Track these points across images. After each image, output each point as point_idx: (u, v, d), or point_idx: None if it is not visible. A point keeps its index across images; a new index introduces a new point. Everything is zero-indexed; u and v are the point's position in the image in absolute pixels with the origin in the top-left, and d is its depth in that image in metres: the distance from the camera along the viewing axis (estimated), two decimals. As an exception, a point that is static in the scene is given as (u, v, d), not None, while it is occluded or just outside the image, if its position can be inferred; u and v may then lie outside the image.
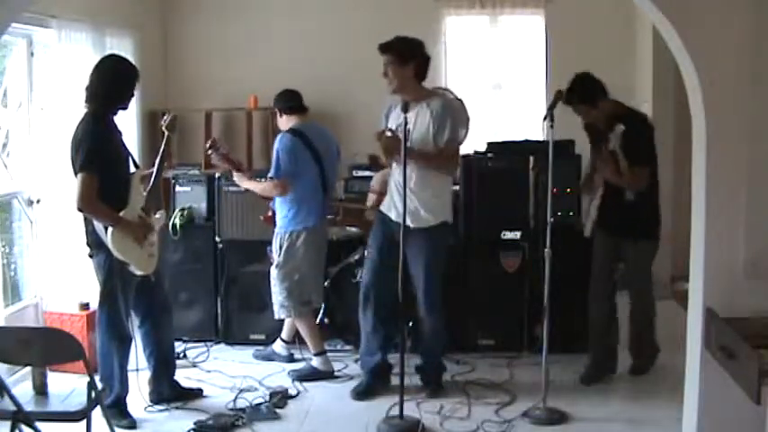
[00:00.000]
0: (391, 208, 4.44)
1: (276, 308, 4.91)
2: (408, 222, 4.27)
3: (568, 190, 4.98)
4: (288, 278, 4.82)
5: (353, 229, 5.57)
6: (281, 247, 4.83)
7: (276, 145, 4.80)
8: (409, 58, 4.37)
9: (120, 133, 4.16)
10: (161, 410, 4.36)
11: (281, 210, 4.85)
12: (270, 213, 4.96)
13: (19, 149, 5.10)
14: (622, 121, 4.51)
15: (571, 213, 5.03)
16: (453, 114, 4.41)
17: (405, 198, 4.13)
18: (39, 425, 3.19)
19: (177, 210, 5.44)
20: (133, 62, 4.36)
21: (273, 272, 4.87)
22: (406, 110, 4.13)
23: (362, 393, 4.55)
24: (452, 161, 4.57)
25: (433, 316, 4.54)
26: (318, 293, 5.01)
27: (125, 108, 4.16)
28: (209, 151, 4.88)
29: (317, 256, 4.93)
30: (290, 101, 4.93)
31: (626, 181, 4.49)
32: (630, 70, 6.91)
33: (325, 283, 5.12)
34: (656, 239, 4.70)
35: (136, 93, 4.20)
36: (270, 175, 4.79)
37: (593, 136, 4.72)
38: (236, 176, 4.95)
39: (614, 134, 4.49)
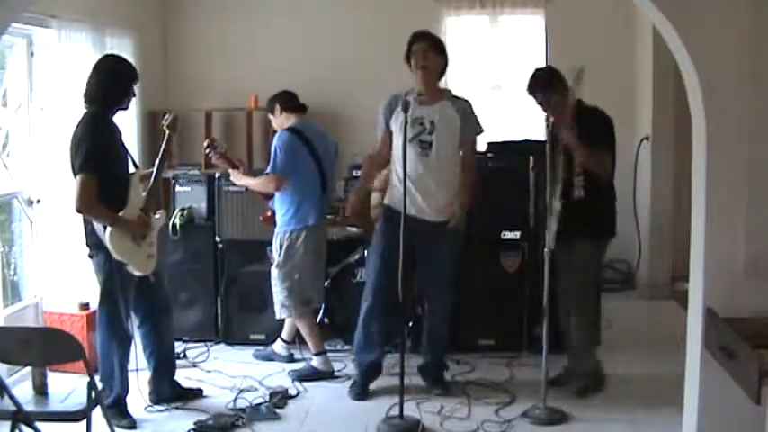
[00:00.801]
0: (409, 205, 4.38)
1: (277, 308, 4.91)
2: (434, 217, 4.34)
3: None
4: (288, 278, 4.83)
5: (353, 229, 5.57)
6: (281, 247, 4.84)
7: (275, 142, 4.82)
8: (444, 52, 4.47)
9: (119, 133, 4.16)
10: (161, 410, 4.36)
11: (281, 209, 4.86)
12: (269, 213, 4.97)
13: (19, 149, 5.10)
14: (579, 120, 4.31)
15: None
16: (475, 114, 4.53)
17: (405, 195, 4.11)
18: (39, 425, 3.19)
19: (177, 210, 5.44)
20: (133, 62, 4.35)
21: (274, 272, 4.88)
22: (405, 110, 4.11)
23: (361, 393, 4.56)
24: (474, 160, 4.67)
25: (448, 311, 4.59)
26: (319, 293, 5.02)
27: (124, 109, 4.15)
28: (208, 151, 4.88)
29: (317, 256, 4.93)
30: (291, 100, 4.96)
31: (590, 159, 4.24)
32: (630, 70, 6.92)
33: (326, 283, 5.13)
34: (599, 240, 4.45)
35: (136, 93, 4.19)
36: (267, 171, 4.81)
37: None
38: (233, 174, 4.95)
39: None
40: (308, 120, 5.00)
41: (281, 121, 4.96)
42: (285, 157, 4.74)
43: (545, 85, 4.33)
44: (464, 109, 4.46)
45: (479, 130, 4.56)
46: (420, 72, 4.35)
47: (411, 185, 4.26)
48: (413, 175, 4.26)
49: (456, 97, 4.52)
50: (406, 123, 4.13)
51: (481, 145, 5.54)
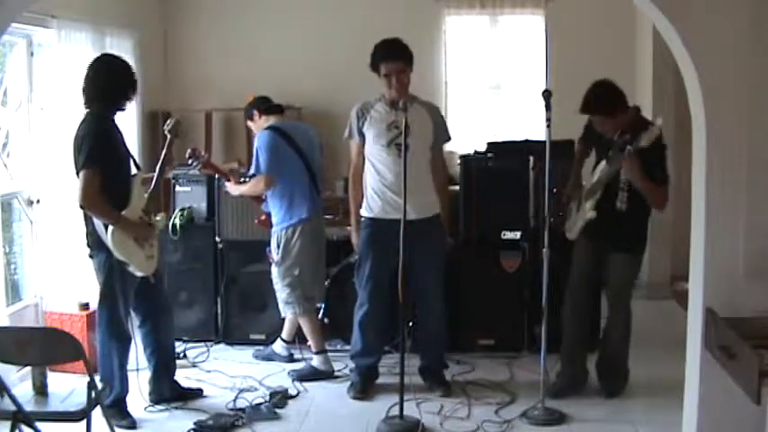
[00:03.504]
0: (388, 211, 4.42)
1: (281, 305, 4.92)
2: (416, 215, 4.29)
3: (554, 190, 4.59)
4: (288, 274, 4.83)
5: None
6: (278, 245, 4.84)
7: (255, 143, 4.84)
8: (412, 59, 4.49)
9: (121, 135, 4.17)
10: (161, 410, 4.36)
11: (274, 208, 4.87)
12: (263, 217, 4.98)
13: (19, 149, 5.10)
14: (638, 136, 4.21)
15: (561, 214, 4.73)
16: (444, 121, 4.72)
17: (405, 197, 4.10)
18: (39, 425, 3.19)
19: (177, 210, 5.44)
20: (132, 62, 4.35)
21: (274, 270, 4.88)
22: (405, 109, 4.16)
23: (361, 393, 4.56)
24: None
25: (440, 312, 4.60)
26: (320, 288, 5.04)
27: (121, 109, 4.13)
28: (191, 161, 4.88)
29: (315, 249, 4.92)
30: (267, 102, 5.03)
31: (651, 195, 4.29)
32: (630, 70, 6.91)
33: (326, 283, 5.12)
34: (640, 255, 4.51)
35: (134, 93, 4.16)
36: (251, 172, 4.83)
37: (592, 142, 4.51)
38: (228, 186, 4.99)
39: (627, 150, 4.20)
40: (285, 119, 5.04)
41: (260, 123, 4.99)
42: (267, 155, 4.74)
43: (611, 111, 4.24)
44: (435, 114, 4.60)
45: (449, 137, 4.70)
46: (397, 86, 4.39)
47: (390, 191, 4.37)
48: (392, 179, 4.33)
49: (425, 101, 4.59)
50: (406, 126, 4.12)
51: (481, 145, 5.56)
